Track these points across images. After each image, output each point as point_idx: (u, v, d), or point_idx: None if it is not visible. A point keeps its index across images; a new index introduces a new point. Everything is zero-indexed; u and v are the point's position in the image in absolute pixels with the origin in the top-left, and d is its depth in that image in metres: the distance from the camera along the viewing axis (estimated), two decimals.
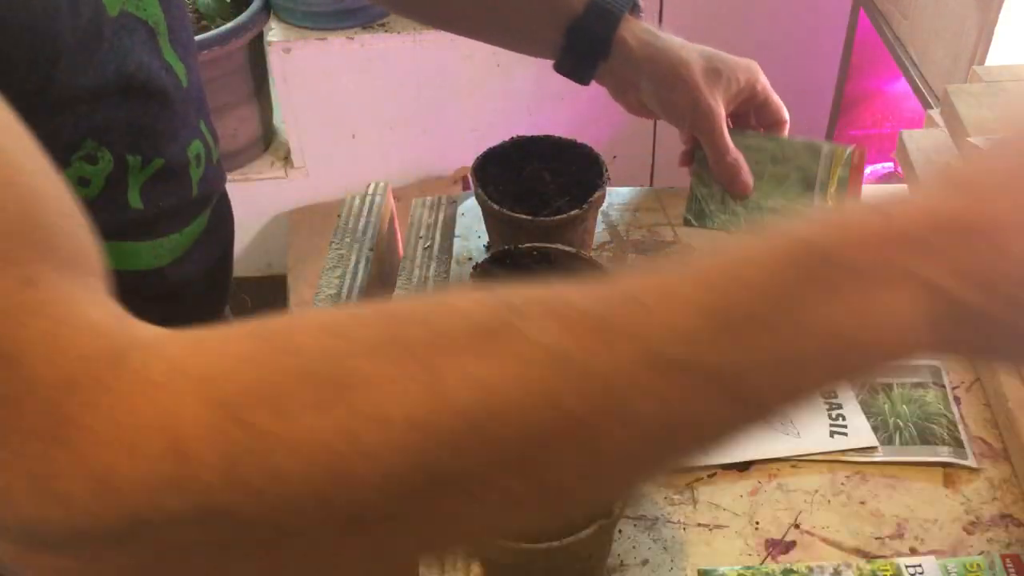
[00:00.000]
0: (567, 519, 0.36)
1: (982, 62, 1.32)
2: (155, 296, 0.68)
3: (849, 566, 0.64)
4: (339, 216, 0.95)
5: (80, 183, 0.59)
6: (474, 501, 0.31)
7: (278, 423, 0.29)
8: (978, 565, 0.63)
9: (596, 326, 0.31)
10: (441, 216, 0.97)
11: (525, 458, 0.31)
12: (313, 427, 0.29)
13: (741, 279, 0.32)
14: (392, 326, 0.32)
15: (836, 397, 0.75)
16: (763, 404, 0.33)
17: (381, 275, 0.94)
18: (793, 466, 0.71)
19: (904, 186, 0.95)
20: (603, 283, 0.33)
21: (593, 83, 0.84)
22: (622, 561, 0.65)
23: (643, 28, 0.80)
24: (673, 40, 0.80)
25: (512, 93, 2.25)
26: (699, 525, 0.67)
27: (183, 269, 0.69)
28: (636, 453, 0.32)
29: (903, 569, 0.64)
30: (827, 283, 0.32)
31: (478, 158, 0.84)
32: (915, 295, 0.32)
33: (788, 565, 0.64)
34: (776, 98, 0.86)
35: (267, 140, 2.41)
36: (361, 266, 0.89)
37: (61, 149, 0.56)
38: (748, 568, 0.64)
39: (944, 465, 0.70)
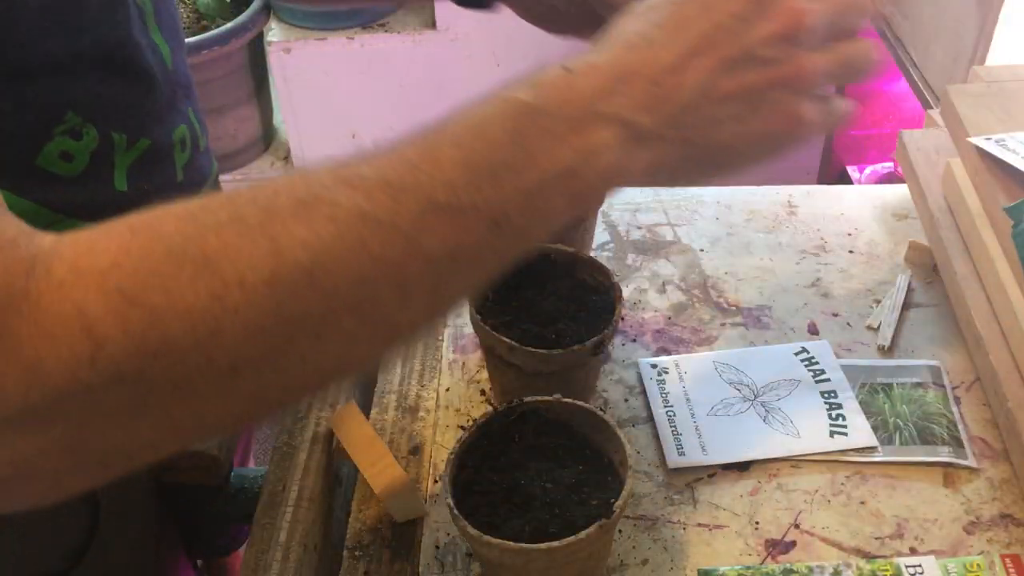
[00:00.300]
0: (399, 350, 0.46)
1: (982, 62, 1.32)
2: None
3: (849, 566, 0.64)
4: None
5: (63, 158, 0.59)
6: (321, 341, 0.39)
7: (164, 298, 0.36)
8: (978, 565, 0.63)
9: (383, 188, 0.40)
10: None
11: (353, 299, 0.39)
12: (191, 297, 0.37)
13: (484, 136, 0.42)
14: (231, 208, 0.39)
15: (836, 397, 0.75)
16: (520, 231, 0.43)
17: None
18: (793, 466, 0.71)
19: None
20: (383, 153, 0.42)
21: None
22: (622, 561, 0.65)
23: None
24: None
25: None
26: (699, 525, 0.67)
27: None
28: (436, 283, 0.42)
29: (903, 569, 0.64)
30: (549, 131, 0.42)
31: None
32: (611, 128, 0.43)
33: (788, 565, 0.64)
34: None
35: (267, 140, 2.41)
36: None
37: (42, 119, 0.57)
38: (748, 568, 0.64)
39: (944, 465, 0.70)
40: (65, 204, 0.60)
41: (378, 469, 0.66)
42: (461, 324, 0.83)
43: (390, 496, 0.67)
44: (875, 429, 0.73)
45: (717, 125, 0.46)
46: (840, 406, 0.74)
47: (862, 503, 0.68)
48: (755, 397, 0.76)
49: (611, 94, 0.44)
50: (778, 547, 0.66)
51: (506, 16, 0.81)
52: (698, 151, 0.47)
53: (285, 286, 0.38)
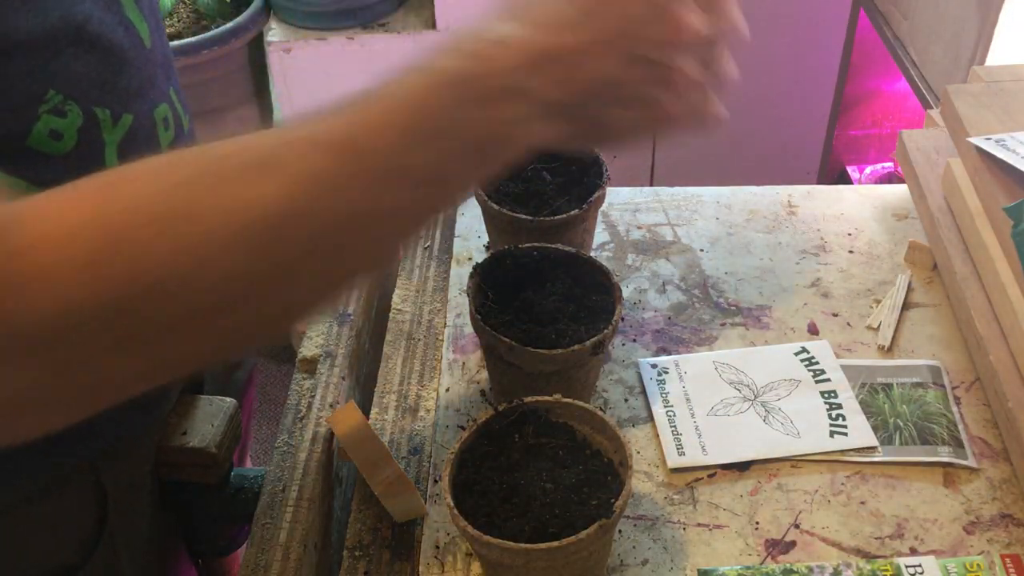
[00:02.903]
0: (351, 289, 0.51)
1: (982, 62, 1.32)
2: None
3: (849, 566, 0.64)
4: None
5: (52, 136, 0.59)
6: (294, 283, 0.45)
7: (134, 252, 0.40)
8: (978, 565, 0.63)
9: (328, 151, 0.44)
10: (441, 216, 0.97)
11: (318, 247, 0.44)
12: (161, 252, 0.40)
13: (417, 105, 0.46)
14: (198, 165, 0.43)
15: (836, 397, 0.75)
16: (441, 193, 0.49)
17: (381, 275, 0.94)
18: (793, 466, 0.71)
19: None
20: (329, 117, 0.46)
21: None
22: (622, 561, 0.65)
23: None
24: None
25: None
26: (699, 525, 0.67)
27: None
28: (374, 237, 0.47)
29: (903, 569, 0.64)
30: (474, 101, 0.47)
31: None
32: (530, 101, 0.48)
33: (788, 565, 0.64)
34: None
35: None
36: None
37: (26, 98, 0.57)
38: (748, 568, 0.64)
39: (944, 465, 0.70)
40: (58, 183, 0.61)
41: (378, 469, 0.66)
42: (461, 324, 0.83)
43: (390, 496, 0.67)
44: (875, 429, 0.73)
45: (607, 109, 0.51)
46: (840, 406, 0.74)
47: (862, 503, 0.68)
48: (755, 397, 0.76)
49: (530, 71, 0.48)
50: (778, 547, 0.66)
51: None
52: (586, 130, 0.52)
53: (256, 237, 0.42)
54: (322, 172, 0.44)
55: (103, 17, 0.62)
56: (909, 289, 0.85)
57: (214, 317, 0.43)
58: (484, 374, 0.78)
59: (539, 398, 0.65)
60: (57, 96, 0.59)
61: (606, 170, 0.83)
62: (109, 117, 0.63)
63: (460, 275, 0.88)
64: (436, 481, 0.71)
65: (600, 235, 0.92)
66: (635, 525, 0.67)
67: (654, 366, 0.79)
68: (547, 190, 0.83)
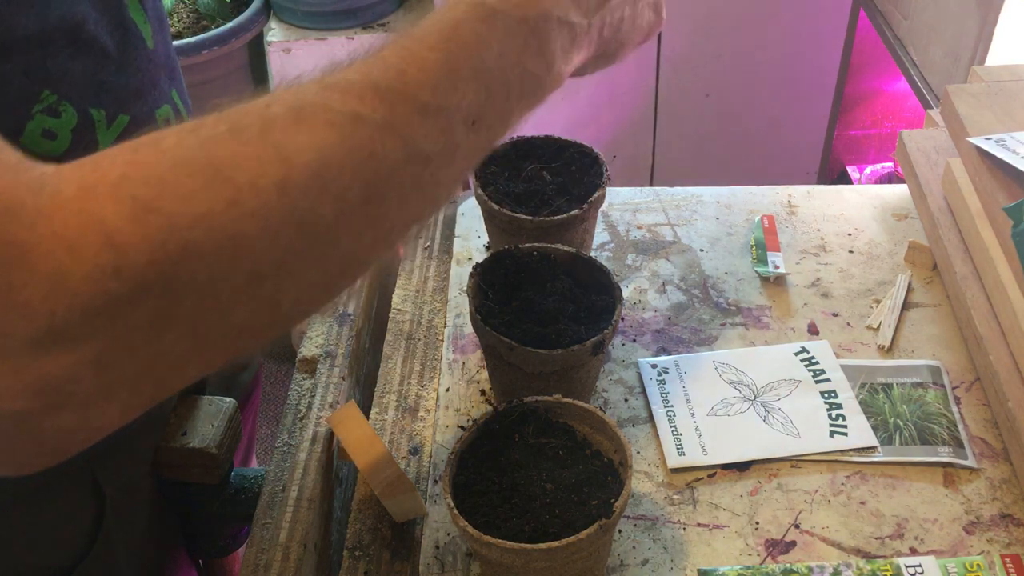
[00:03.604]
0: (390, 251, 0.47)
1: (982, 62, 1.32)
2: None
3: (849, 566, 0.64)
4: None
5: (46, 136, 0.59)
6: (335, 243, 0.41)
7: (181, 205, 0.36)
8: (978, 565, 0.63)
9: (375, 92, 0.42)
10: (441, 216, 0.97)
11: (361, 199, 0.41)
12: (206, 203, 0.37)
13: (458, 39, 0.45)
14: (228, 121, 0.40)
15: (836, 397, 0.75)
16: (490, 129, 0.47)
17: (381, 275, 0.94)
18: (793, 466, 0.71)
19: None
20: (369, 60, 0.44)
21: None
22: (622, 561, 0.65)
23: None
24: None
25: None
26: (699, 525, 0.67)
27: None
28: (428, 181, 0.44)
29: (903, 569, 0.64)
30: (512, 34, 0.47)
31: None
32: (561, 32, 0.50)
33: (788, 565, 0.64)
34: None
35: None
36: None
37: (20, 98, 0.57)
38: (748, 568, 0.64)
39: (944, 465, 0.70)
40: None
41: (378, 469, 0.66)
42: (461, 324, 0.83)
43: (390, 496, 0.67)
44: (875, 429, 0.73)
45: (620, 24, 0.55)
46: (840, 406, 0.74)
47: (862, 503, 0.68)
48: (755, 397, 0.76)
49: (571, 2, 0.50)
50: (778, 547, 0.66)
51: None
52: (604, 46, 0.55)
53: (297, 190, 0.39)
54: (368, 113, 0.42)
55: (101, 18, 0.62)
56: (909, 289, 0.85)
57: (271, 277, 0.39)
58: (484, 374, 0.78)
59: (539, 398, 0.65)
60: (51, 96, 0.59)
61: (606, 170, 0.83)
62: (104, 118, 0.63)
63: (460, 275, 0.88)
64: (436, 481, 0.71)
65: (600, 235, 0.92)
66: (635, 525, 0.67)
67: (654, 366, 0.79)
68: (547, 190, 0.83)
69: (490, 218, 0.84)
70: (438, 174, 0.45)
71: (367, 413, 0.76)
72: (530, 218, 0.78)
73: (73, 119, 0.61)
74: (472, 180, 0.82)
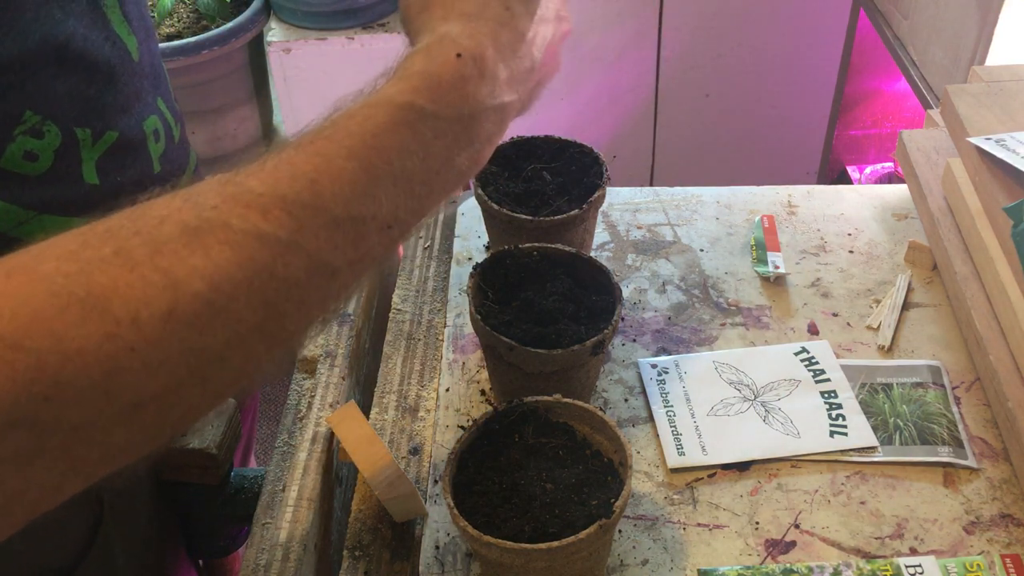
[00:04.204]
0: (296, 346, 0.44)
1: (982, 62, 1.32)
2: None
3: (849, 566, 0.64)
4: None
5: (28, 158, 0.58)
6: (224, 365, 0.38)
7: (51, 341, 0.34)
8: (978, 565, 0.63)
9: (282, 207, 0.39)
10: (441, 216, 0.97)
11: (256, 321, 0.39)
12: (80, 339, 0.34)
13: (379, 147, 0.43)
14: (115, 242, 0.37)
15: (836, 397, 0.75)
16: (410, 227, 0.45)
17: (381, 275, 0.94)
18: (793, 466, 0.71)
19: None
20: (267, 165, 0.41)
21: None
22: (622, 561, 0.65)
23: None
24: None
25: None
26: (699, 525, 0.67)
27: None
28: (335, 291, 0.42)
29: (903, 569, 0.64)
30: (442, 135, 0.45)
31: None
32: (492, 113, 0.47)
33: (788, 565, 0.64)
34: None
35: (267, 140, 2.41)
36: None
37: (1, 121, 0.56)
38: (748, 568, 0.64)
39: (944, 465, 0.70)
40: (35, 201, 0.60)
41: (378, 469, 0.66)
42: (461, 324, 0.83)
43: (390, 496, 0.67)
44: (875, 429, 0.73)
45: (541, 68, 0.53)
46: (840, 406, 0.74)
47: (862, 503, 0.68)
48: (755, 397, 0.76)
49: (493, 81, 0.47)
50: (778, 547, 0.66)
51: None
52: (530, 100, 0.53)
53: (185, 319, 0.36)
54: (272, 230, 0.39)
55: (88, 34, 0.61)
56: (909, 289, 0.85)
57: (152, 405, 0.37)
58: (484, 374, 0.78)
59: (539, 398, 0.65)
60: (35, 117, 0.58)
61: (606, 170, 0.83)
62: (90, 136, 0.62)
63: (460, 275, 0.88)
64: (436, 481, 0.71)
65: (600, 235, 0.92)
66: (635, 525, 0.67)
67: (654, 366, 0.79)
68: (547, 190, 0.83)
69: (490, 218, 0.84)
70: (348, 282, 0.43)
71: (367, 413, 0.76)
72: (530, 218, 0.78)
73: (57, 139, 0.60)
74: (472, 180, 0.82)
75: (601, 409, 0.67)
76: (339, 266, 0.41)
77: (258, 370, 0.41)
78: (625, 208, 0.96)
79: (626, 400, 0.77)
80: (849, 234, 0.91)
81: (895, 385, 0.76)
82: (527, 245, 0.76)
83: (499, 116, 0.49)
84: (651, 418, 0.75)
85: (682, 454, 0.71)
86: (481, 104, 0.47)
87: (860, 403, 0.75)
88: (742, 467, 0.71)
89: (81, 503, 0.68)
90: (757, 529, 0.67)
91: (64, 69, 0.59)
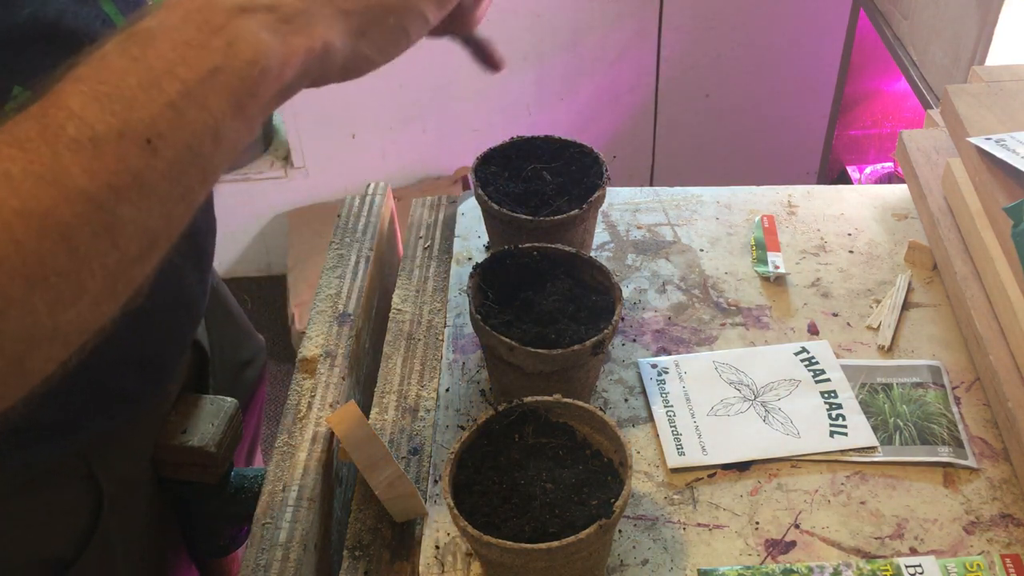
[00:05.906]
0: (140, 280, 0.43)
1: (982, 62, 1.32)
2: None
3: (849, 566, 0.64)
4: (339, 216, 0.95)
5: None
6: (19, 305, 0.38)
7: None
8: (978, 565, 0.63)
9: (9, 143, 0.39)
10: (441, 216, 0.97)
11: (25, 261, 0.37)
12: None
13: (108, 67, 0.42)
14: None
15: (836, 397, 0.75)
16: (184, 144, 0.42)
17: (381, 275, 0.94)
18: (793, 466, 0.71)
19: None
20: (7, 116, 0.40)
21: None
22: (622, 561, 0.65)
23: None
24: None
25: (512, 93, 2.25)
26: (699, 525, 0.67)
27: None
28: (119, 217, 0.40)
29: (903, 569, 0.64)
30: (184, 43, 0.42)
31: (478, 158, 0.85)
32: (254, 17, 0.43)
33: (788, 565, 0.64)
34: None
35: (267, 140, 2.41)
36: (361, 266, 0.89)
37: None
38: (748, 568, 0.64)
39: (944, 465, 0.70)
40: None
41: (378, 469, 0.66)
42: (461, 324, 0.83)
43: (390, 496, 0.67)
44: (875, 429, 0.73)
45: (388, 21, 0.46)
46: (840, 406, 0.74)
47: (862, 503, 0.68)
48: (755, 397, 0.76)
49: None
50: (778, 547, 0.66)
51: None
52: (360, 20, 0.47)
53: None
54: (3, 168, 0.39)
55: (78, 11, 0.61)
56: (909, 289, 0.85)
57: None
58: (484, 374, 0.78)
59: (539, 398, 0.65)
60: (24, 93, 0.58)
61: (606, 170, 0.83)
62: None
63: (460, 275, 0.88)
64: (436, 481, 0.71)
65: (600, 235, 0.92)
66: (635, 525, 0.67)
67: (654, 366, 0.79)
68: (547, 190, 0.83)
69: (490, 218, 0.84)
70: (128, 205, 0.41)
71: (367, 413, 0.76)
72: (530, 218, 0.78)
73: None
74: (472, 180, 0.82)
75: (601, 409, 0.67)
76: (93, 188, 0.40)
77: (90, 311, 0.40)
78: (625, 208, 0.96)
79: (626, 400, 0.77)
80: (849, 234, 0.92)
81: (895, 385, 0.76)
82: (527, 245, 0.76)
83: (261, 17, 0.44)
84: (651, 418, 0.75)
85: (682, 454, 0.72)
86: (231, 8, 0.44)
87: (860, 403, 0.75)
88: (742, 467, 0.71)
89: (80, 492, 0.68)
90: (757, 529, 0.67)
91: (54, 46, 0.59)
